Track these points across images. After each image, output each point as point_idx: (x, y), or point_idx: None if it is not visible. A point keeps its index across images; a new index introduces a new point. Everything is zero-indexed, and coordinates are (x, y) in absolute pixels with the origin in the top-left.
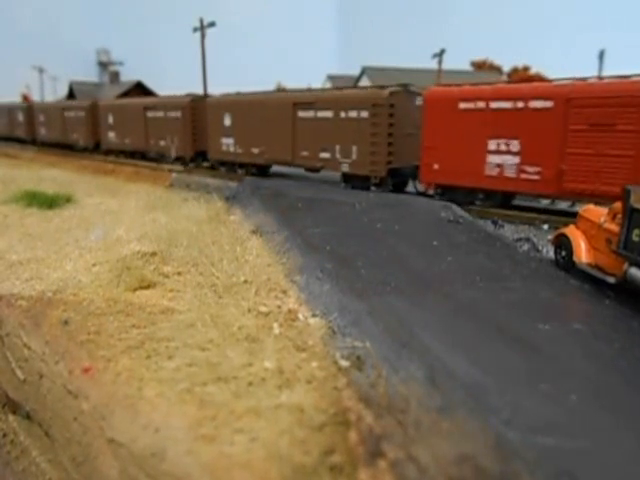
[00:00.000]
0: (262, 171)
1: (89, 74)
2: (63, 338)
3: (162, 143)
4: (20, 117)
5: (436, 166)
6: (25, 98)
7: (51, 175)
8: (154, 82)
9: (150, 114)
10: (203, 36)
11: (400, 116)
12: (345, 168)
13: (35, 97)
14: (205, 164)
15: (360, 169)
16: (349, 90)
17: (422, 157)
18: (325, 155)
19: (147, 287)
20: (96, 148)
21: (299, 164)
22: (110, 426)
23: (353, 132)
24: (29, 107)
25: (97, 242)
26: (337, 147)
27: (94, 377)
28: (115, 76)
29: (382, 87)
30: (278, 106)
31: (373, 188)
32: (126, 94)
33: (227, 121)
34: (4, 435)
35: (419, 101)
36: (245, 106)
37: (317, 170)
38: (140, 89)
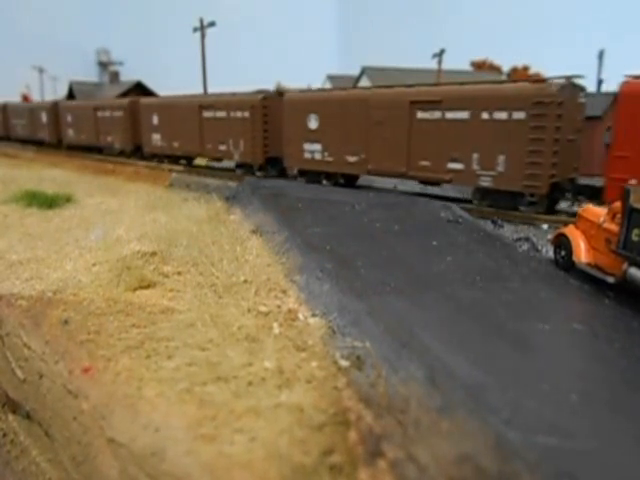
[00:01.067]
0: (349, 181)
1: (89, 74)
2: (63, 338)
3: (222, 147)
4: (44, 118)
5: (633, 181)
6: (25, 98)
7: (51, 175)
8: (154, 82)
9: (207, 114)
10: (203, 36)
11: (565, 118)
12: (486, 182)
13: (35, 97)
14: (273, 172)
15: (508, 184)
16: (486, 85)
17: (610, 170)
18: (455, 166)
19: (147, 287)
20: (135, 152)
21: (414, 176)
22: (110, 426)
23: (498, 137)
24: (54, 106)
25: (97, 242)
26: (474, 156)
27: (94, 377)
28: (115, 76)
29: (542, 81)
30: (390, 105)
31: (523, 208)
32: (126, 94)
33: (313, 124)
34: (4, 435)
35: (582, 98)
36: (337, 105)
37: (438, 184)
38: (140, 89)
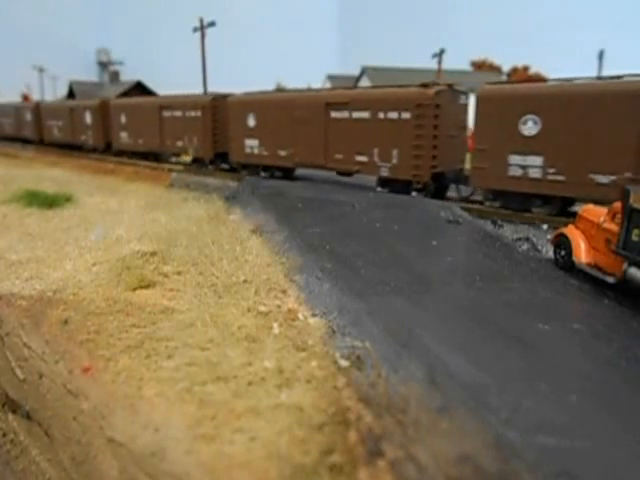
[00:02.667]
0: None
1: (89, 74)
2: (63, 337)
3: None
4: (88, 118)
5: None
6: (25, 98)
7: (51, 175)
8: (154, 82)
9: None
10: (203, 36)
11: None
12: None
13: (35, 97)
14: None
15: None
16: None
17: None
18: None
19: (147, 287)
20: (215, 160)
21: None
22: (110, 425)
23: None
24: (102, 105)
25: (97, 242)
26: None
27: (94, 376)
28: (115, 76)
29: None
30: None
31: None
32: (126, 94)
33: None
34: (4, 434)
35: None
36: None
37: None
38: (140, 89)
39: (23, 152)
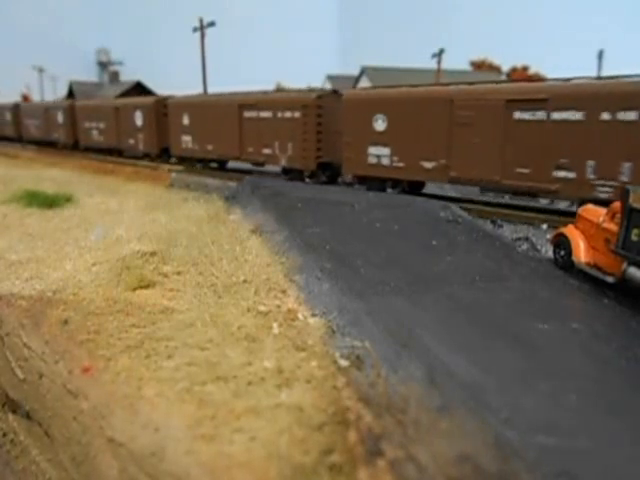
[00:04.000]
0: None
1: (89, 74)
2: (63, 338)
3: (267, 151)
4: (138, 120)
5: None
6: (25, 98)
7: (51, 175)
8: (154, 82)
9: (463, 112)
10: (203, 36)
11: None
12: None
13: (35, 97)
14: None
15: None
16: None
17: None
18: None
19: (147, 287)
20: (317, 171)
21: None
22: (110, 425)
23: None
24: (158, 104)
25: (97, 242)
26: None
27: (94, 376)
28: (115, 76)
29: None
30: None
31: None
32: (126, 94)
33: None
34: (4, 434)
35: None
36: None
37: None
38: (140, 89)
39: (23, 152)
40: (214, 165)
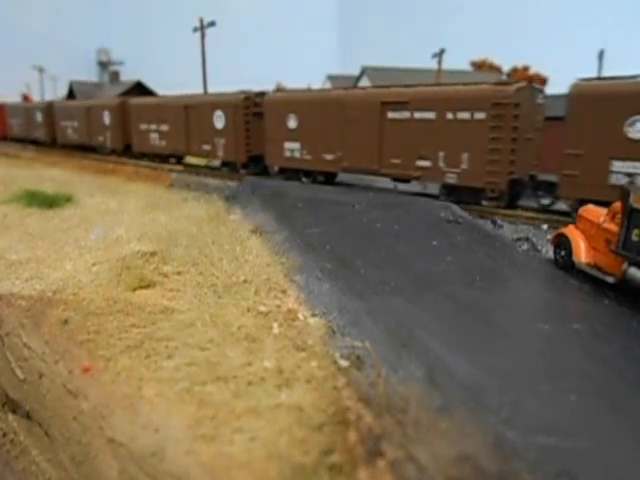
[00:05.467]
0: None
1: (89, 74)
2: (63, 338)
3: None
4: (218, 121)
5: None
6: (25, 98)
7: (51, 175)
8: (154, 82)
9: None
10: (203, 36)
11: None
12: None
13: (35, 97)
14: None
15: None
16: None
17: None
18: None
19: (147, 287)
20: (504, 192)
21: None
22: (110, 425)
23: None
24: (247, 102)
25: (97, 242)
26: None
27: (94, 377)
28: (115, 76)
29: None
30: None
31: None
32: (126, 94)
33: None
34: (4, 434)
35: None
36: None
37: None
38: (140, 89)
39: (23, 152)
40: (321, 178)
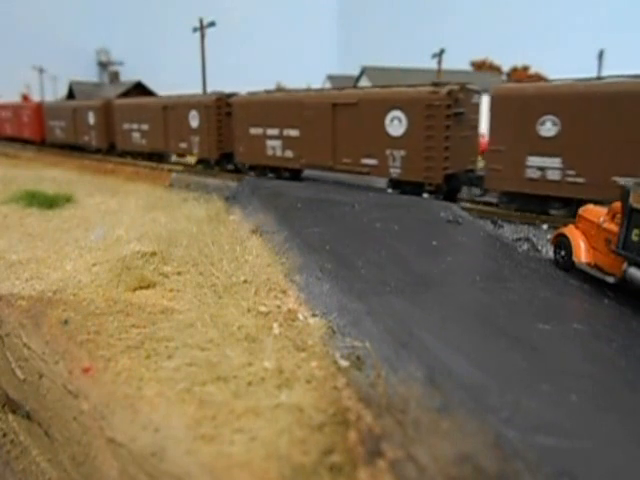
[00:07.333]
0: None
1: (89, 74)
2: (63, 338)
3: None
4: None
5: None
6: (25, 98)
7: (51, 175)
8: (154, 82)
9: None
10: (203, 36)
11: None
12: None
13: (35, 97)
14: None
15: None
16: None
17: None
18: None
19: (147, 287)
20: None
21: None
22: (110, 426)
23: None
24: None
25: (97, 242)
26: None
27: (94, 377)
28: (115, 76)
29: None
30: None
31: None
32: (126, 94)
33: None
34: (4, 435)
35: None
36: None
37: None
38: (140, 89)
39: (23, 152)
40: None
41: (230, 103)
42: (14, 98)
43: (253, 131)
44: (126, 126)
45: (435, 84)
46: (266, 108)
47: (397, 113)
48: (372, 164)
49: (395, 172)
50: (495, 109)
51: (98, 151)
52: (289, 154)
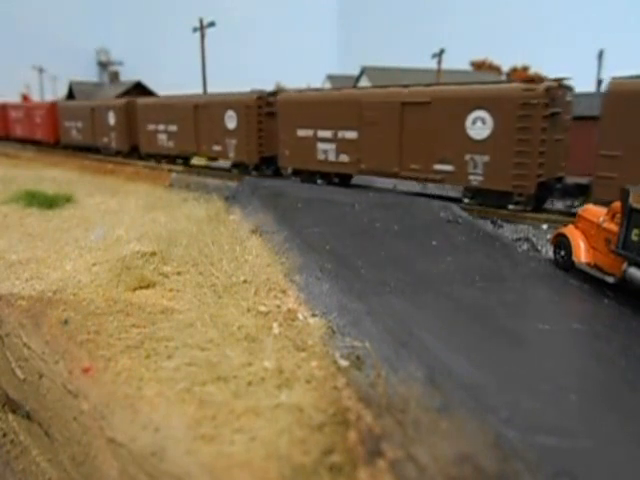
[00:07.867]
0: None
1: (89, 74)
2: (63, 338)
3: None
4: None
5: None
6: (25, 98)
7: (51, 175)
8: (154, 82)
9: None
10: (203, 36)
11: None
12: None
13: (35, 97)
14: None
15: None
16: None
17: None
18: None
19: (147, 287)
20: None
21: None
22: (110, 426)
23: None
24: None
25: (97, 242)
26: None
27: (94, 377)
28: (115, 76)
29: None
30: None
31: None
32: (126, 94)
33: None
34: (4, 435)
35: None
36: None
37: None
38: (140, 89)
39: (23, 152)
40: None
41: (273, 102)
42: (14, 98)
43: (301, 133)
44: (151, 127)
45: (529, 80)
46: (317, 107)
47: (481, 113)
48: (447, 170)
49: (476, 180)
50: (610, 108)
51: (118, 153)
52: (344, 159)
